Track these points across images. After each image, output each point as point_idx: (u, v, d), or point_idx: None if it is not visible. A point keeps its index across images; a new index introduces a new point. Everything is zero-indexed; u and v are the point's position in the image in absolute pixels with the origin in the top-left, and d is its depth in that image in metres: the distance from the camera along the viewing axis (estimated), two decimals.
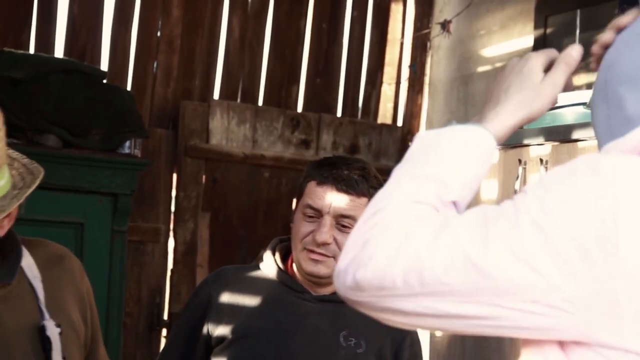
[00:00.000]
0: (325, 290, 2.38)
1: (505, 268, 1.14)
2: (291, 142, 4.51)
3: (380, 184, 2.34)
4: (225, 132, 4.36)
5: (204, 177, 4.33)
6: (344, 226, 2.30)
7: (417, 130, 4.89)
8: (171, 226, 4.28)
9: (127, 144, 3.62)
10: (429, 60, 4.90)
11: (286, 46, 4.59)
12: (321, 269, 2.33)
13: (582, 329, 1.16)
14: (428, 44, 4.89)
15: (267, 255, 2.43)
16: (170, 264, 4.25)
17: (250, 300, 2.37)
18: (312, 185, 2.33)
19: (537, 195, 1.17)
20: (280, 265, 2.39)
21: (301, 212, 2.34)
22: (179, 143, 4.27)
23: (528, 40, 4.27)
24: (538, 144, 2.82)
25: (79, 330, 2.02)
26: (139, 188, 3.78)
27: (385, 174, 5.01)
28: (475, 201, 1.40)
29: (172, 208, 4.29)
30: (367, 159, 4.67)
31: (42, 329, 1.88)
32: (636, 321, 1.14)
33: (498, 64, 4.55)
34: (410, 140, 4.85)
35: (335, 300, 2.37)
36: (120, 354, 3.60)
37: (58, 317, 1.94)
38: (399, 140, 4.81)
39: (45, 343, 1.87)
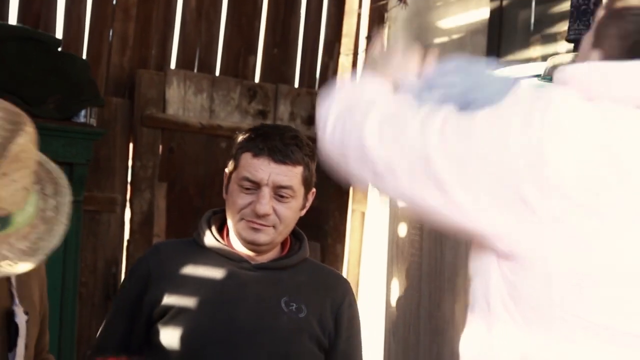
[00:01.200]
0: (263, 258, 2.41)
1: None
2: (248, 112, 4.50)
3: (312, 151, 2.39)
4: (182, 101, 4.34)
5: (160, 146, 4.31)
6: (281, 196, 2.34)
7: None
8: (127, 196, 4.26)
9: (83, 113, 3.59)
10: (386, 31, 4.90)
11: (243, 16, 4.57)
12: (261, 237, 2.37)
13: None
14: (385, 15, 4.90)
15: (203, 228, 2.44)
16: (126, 234, 4.24)
17: (190, 273, 2.39)
18: (247, 157, 2.34)
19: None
20: (217, 237, 2.41)
21: (237, 184, 2.36)
22: (135, 112, 4.25)
23: (484, 12, 4.29)
24: None
25: (38, 313, 2.02)
26: (94, 157, 3.75)
27: None
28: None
29: (129, 178, 4.27)
30: None
31: (11, 314, 1.85)
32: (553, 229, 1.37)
33: (455, 36, 4.57)
34: None
35: (273, 267, 2.41)
36: (76, 324, 3.59)
37: (25, 301, 1.92)
38: None
39: (13, 329, 1.85)
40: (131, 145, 4.27)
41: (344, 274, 4.82)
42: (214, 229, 2.44)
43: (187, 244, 2.46)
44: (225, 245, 2.40)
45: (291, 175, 2.35)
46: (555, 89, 1.43)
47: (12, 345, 1.86)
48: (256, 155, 2.34)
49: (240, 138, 2.42)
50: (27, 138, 1.68)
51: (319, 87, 4.78)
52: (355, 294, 4.96)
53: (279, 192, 2.34)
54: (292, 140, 2.38)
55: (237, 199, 2.36)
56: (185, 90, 4.35)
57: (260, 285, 2.38)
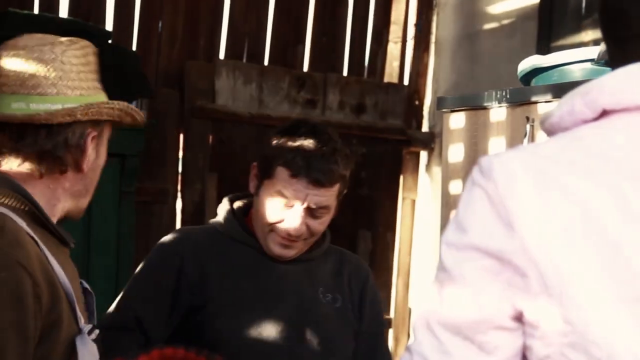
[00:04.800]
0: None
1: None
2: (297, 101, 4.50)
3: (349, 159, 2.31)
4: (232, 92, 4.35)
5: (210, 137, 4.32)
6: (315, 214, 2.28)
7: (424, 89, 4.88)
8: (179, 187, 4.29)
9: (134, 104, 3.61)
10: (434, 18, 4.87)
11: (291, 5, 4.56)
12: (290, 252, 2.34)
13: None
14: (434, 1, 4.86)
15: (230, 219, 2.40)
16: (178, 225, 4.26)
17: (225, 265, 2.35)
18: (284, 174, 2.26)
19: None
20: (248, 229, 2.37)
21: (270, 195, 2.29)
22: (185, 103, 4.27)
23: None
24: (546, 101, 2.81)
25: None
26: (146, 149, 3.78)
27: (391, 133, 5.04)
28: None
29: (180, 169, 4.29)
30: (373, 118, 4.67)
31: (82, 284, 1.90)
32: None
33: (505, 21, 4.53)
34: (417, 99, 4.85)
35: (303, 259, 2.38)
36: None
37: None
38: (405, 99, 4.80)
39: (90, 297, 1.90)
40: (181, 136, 4.29)
41: (395, 263, 4.82)
42: (241, 220, 2.41)
43: (213, 233, 2.41)
44: (255, 240, 2.36)
45: (328, 195, 2.29)
46: None
47: (92, 315, 1.89)
48: (294, 175, 2.25)
49: (276, 142, 2.32)
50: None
51: (368, 75, 4.76)
52: (406, 282, 4.95)
53: (314, 211, 2.29)
54: (332, 156, 2.28)
55: (269, 211, 2.30)
56: (235, 80, 4.36)
57: (297, 278, 2.37)
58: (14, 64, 1.79)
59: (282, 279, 2.35)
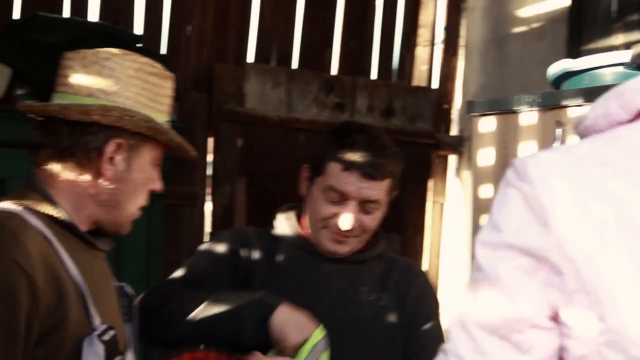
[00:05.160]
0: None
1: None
2: (326, 105, 4.50)
3: (398, 158, 2.35)
4: (260, 95, 4.36)
5: (239, 140, 4.33)
6: (367, 209, 2.31)
7: (453, 92, 4.86)
8: (208, 190, 4.30)
9: None
10: (463, 21, 4.86)
11: (320, 9, 4.57)
12: (344, 248, 2.37)
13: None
14: (462, 5, 4.85)
15: (283, 221, 2.45)
16: (207, 228, 4.27)
17: (274, 264, 2.39)
18: (335, 169, 2.32)
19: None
20: (299, 232, 2.41)
21: (321, 192, 2.34)
22: (214, 107, 4.27)
23: (565, 0, 4.22)
24: (576, 105, 2.79)
25: None
26: None
27: (420, 136, 5.02)
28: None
29: (209, 172, 4.30)
30: (402, 122, 4.66)
31: (122, 288, 1.92)
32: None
33: (534, 25, 4.50)
34: (446, 102, 4.83)
35: (350, 260, 2.41)
36: None
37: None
38: (434, 102, 4.79)
39: (126, 301, 1.91)
40: (210, 140, 4.30)
41: (425, 267, 4.80)
42: (294, 223, 2.44)
43: (265, 234, 2.47)
44: (306, 240, 2.41)
45: (379, 189, 2.34)
46: None
47: (128, 317, 1.90)
48: (346, 168, 2.31)
49: (326, 140, 2.38)
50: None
51: (397, 78, 4.75)
52: (435, 286, 4.93)
53: (366, 206, 2.32)
54: (381, 152, 2.34)
55: (321, 207, 2.34)
56: (264, 84, 4.37)
57: (340, 278, 2.39)
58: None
59: (326, 277, 2.38)
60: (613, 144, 1.19)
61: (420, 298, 2.48)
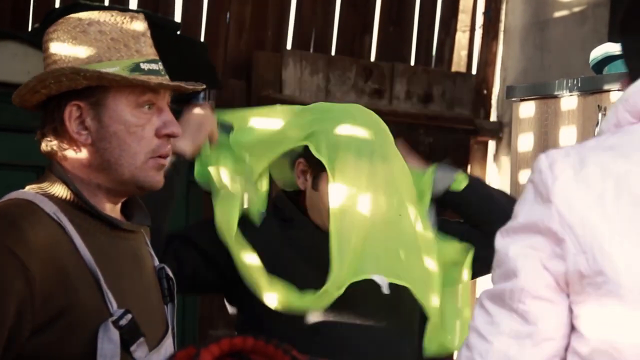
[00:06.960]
0: None
1: None
2: (364, 91, 4.49)
3: None
4: (299, 82, 4.36)
5: None
6: None
7: (492, 78, 4.83)
8: None
9: (202, 95, 3.63)
10: (503, 6, 4.82)
11: None
12: None
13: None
14: None
15: (283, 199, 2.46)
16: None
17: (273, 241, 2.41)
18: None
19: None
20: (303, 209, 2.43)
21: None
22: (252, 94, 4.28)
23: None
24: (618, 90, 2.76)
25: None
26: None
27: (459, 122, 4.97)
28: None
29: None
30: (441, 108, 4.64)
31: (162, 269, 1.90)
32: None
33: (575, 9, 4.46)
34: (485, 88, 4.80)
35: None
36: (198, 300, 3.66)
37: None
38: (473, 88, 4.76)
39: (165, 284, 1.90)
40: None
41: None
42: (294, 201, 2.47)
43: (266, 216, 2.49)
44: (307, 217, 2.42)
45: None
46: None
47: (167, 299, 1.89)
48: None
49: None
50: None
51: (435, 64, 4.73)
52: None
53: None
54: None
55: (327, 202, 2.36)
56: (302, 70, 4.37)
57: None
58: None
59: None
60: (620, 136, 1.34)
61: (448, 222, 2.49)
